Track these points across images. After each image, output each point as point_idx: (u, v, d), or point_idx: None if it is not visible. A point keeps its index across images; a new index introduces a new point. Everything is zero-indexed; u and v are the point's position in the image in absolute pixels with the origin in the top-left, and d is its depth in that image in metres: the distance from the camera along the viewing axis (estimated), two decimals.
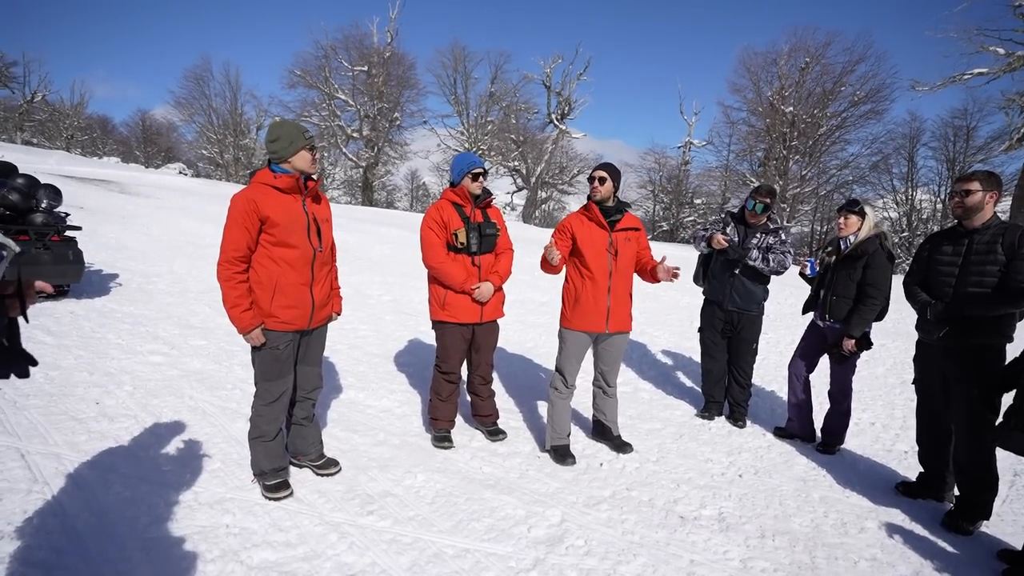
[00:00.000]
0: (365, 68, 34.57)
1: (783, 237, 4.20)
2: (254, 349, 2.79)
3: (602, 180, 3.43)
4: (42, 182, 6.30)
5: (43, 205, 6.13)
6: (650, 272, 3.53)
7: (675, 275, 3.35)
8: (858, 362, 3.95)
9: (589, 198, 3.52)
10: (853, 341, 3.70)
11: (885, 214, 31.71)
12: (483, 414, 3.84)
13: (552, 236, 3.51)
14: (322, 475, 3.10)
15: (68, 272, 6.11)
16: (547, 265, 3.45)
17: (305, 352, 2.98)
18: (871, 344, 3.74)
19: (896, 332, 7.60)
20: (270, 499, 2.82)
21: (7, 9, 60.27)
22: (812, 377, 4.12)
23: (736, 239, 4.26)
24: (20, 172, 6.44)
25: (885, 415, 4.86)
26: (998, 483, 3.06)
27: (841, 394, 3.94)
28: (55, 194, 6.32)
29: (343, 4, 74.73)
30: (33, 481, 2.78)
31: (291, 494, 2.87)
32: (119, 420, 3.54)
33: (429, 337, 6.17)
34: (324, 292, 2.93)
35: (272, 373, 2.81)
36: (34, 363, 1.41)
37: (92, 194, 15.14)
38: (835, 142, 30.16)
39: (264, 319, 2.73)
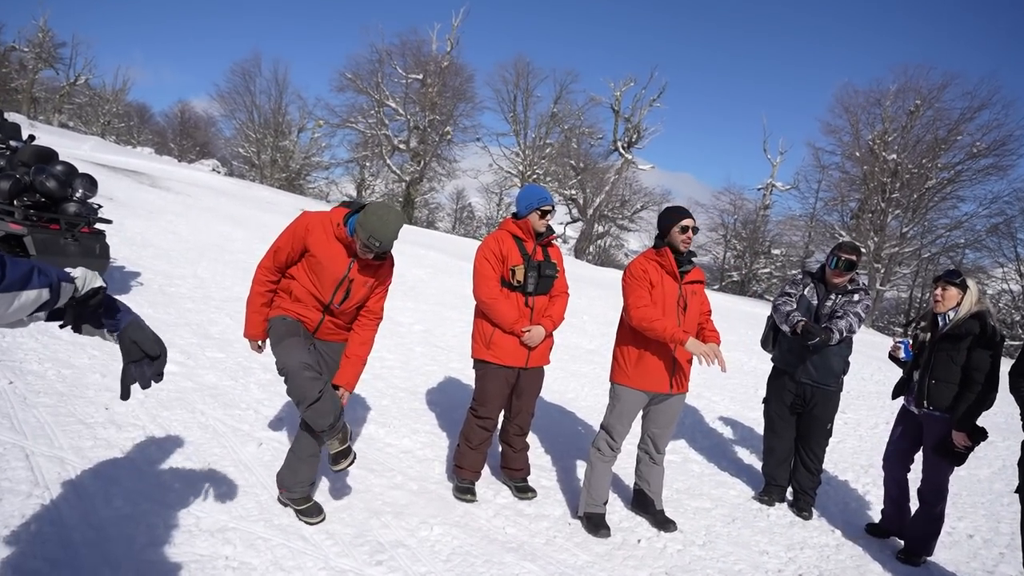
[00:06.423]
0: (420, 77, 36.02)
1: (856, 298, 4.14)
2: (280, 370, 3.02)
3: (695, 230, 3.49)
4: (80, 171, 6.80)
5: (78, 194, 6.59)
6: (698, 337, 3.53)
7: (719, 365, 3.25)
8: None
9: (666, 243, 3.51)
10: (964, 434, 3.52)
11: (1004, 286, 30.32)
12: (514, 467, 3.86)
13: (627, 281, 3.49)
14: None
15: (92, 266, 6.33)
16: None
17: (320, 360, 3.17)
18: (986, 435, 3.53)
19: (1008, 429, 7.19)
20: (308, 522, 3.09)
21: None
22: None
23: (815, 301, 4.23)
24: (60, 159, 6.98)
25: (988, 528, 4.60)
26: None
27: (935, 495, 3.75)
28: (91, 184, 6.78)
29: (403, 8, 78.53)
30: (34, 484, 2.95)
31: (324, 518, 3.14)
32: (127, 429, 3.73)
33: (461, 375, 6.26)
34: (328, 329, 3.19)
35: (282, 332, 3.00)
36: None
37: (122, 185, 16.16)
38: (945, 198, 29.36)
39: (277, 311, 3.10)
